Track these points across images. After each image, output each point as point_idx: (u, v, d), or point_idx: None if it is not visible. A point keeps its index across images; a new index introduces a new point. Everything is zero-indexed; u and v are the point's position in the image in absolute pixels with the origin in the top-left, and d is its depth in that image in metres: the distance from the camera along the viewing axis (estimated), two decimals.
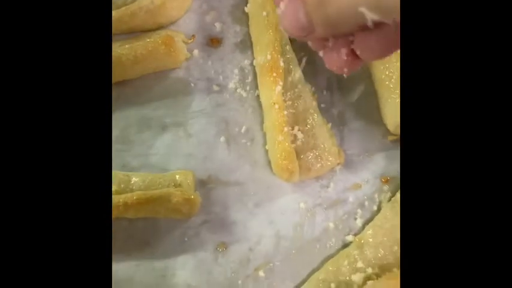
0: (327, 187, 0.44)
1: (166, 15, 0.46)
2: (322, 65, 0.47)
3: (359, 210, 0.43)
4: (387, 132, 0.46)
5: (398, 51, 0.28)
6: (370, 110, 0.47)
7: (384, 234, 0.41)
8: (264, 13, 0.45)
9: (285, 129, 0.42)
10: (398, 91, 0.44)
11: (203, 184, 0.43)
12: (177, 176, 0.41)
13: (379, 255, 0.40)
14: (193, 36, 0.48)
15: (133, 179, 0.41)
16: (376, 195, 0.44)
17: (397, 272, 0.39)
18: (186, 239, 0.42)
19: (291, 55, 0.46)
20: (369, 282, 0.38)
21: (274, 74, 0.43)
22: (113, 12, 0.45)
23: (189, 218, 0.42)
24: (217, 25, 0.49)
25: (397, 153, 0.45)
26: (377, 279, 0.38)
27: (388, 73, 0.45)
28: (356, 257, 0.40)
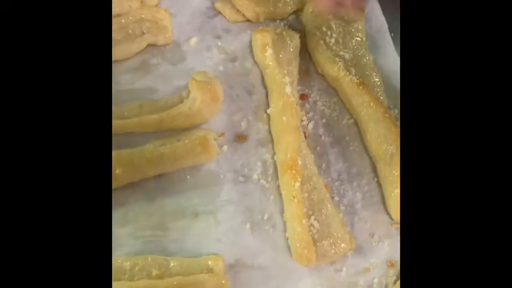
0: (340, 271, 0.50)
1: (201, 117, 0.54)
2: (333, 158, 0.56)
3: None
4: (391, 220, 0.53)
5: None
6: (376, 201, 0.54)
7: None
8: (284, 118, 0.53)
9: (304, 221, 0.48)
10: (399, 186, 0.51)
11: (231, 267, 0.49)
12: (209, 262, 0.47)
13: None
14: (222, 134, 0.56)
15: (172, 263, 0.47)
16: (383, 279, 0.50)
17: None
18: None
19: (306, 151, 0.54)
20: None
21: (294, 172, 0.50)
22: (156, 115, 0.53)
23: None
24: (243, 123, 0.57)
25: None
26: None
27: (390, 171, 0.52)
28: None
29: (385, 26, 0.64)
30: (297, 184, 0.50)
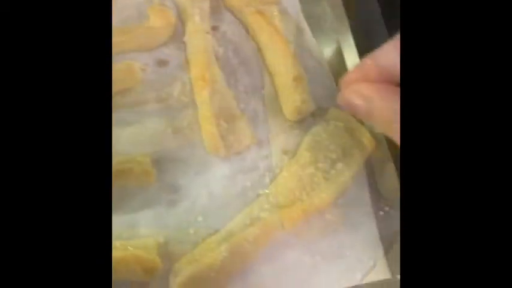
0: (245, 159, 0.63)
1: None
2: (240, 76, 0.68)
3: (267, 173, 0.63)
4: (287, 118, 0.66)
5: None
6: (276, 106, 0.67)
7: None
8: (195, 42, 0.65)
9: (213, 121, 0.61)
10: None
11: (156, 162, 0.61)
12: (138, 158, 0.59)
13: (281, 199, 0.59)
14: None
15: None
16: (279, 163, 0.63)
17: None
18: None
19: (216, 71, 0.66)
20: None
21: (203, 82, 0.63)
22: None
23: None
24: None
25: (294, 133, 0.65)
26: None
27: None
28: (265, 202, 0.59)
29: (378, 10, 0.73)
30: (205, 92, 0.62)
